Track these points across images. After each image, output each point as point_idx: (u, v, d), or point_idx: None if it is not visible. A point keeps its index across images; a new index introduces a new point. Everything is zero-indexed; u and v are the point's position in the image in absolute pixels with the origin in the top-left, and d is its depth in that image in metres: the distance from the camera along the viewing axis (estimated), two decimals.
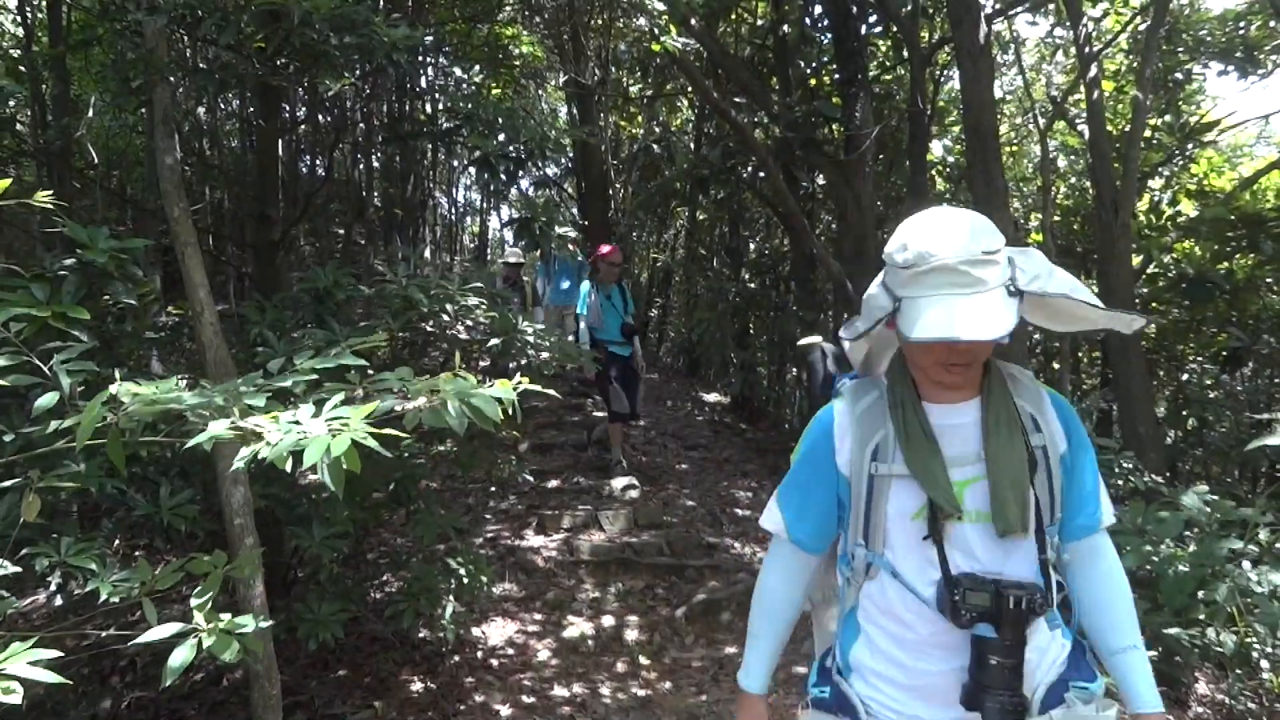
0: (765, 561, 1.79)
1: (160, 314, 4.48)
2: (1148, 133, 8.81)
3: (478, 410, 1.78)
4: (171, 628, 1.93)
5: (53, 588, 2.70)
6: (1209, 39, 8.85)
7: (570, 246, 8.30)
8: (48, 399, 1.92)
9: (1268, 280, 8.25)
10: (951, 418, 1.54)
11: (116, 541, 3.67)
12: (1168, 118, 9.39)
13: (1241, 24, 8.64)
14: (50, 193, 2.06)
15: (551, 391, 2.56)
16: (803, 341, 2.04)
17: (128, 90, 3.54)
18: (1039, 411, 1.56)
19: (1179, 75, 9.15)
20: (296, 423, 1.73)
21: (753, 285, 10.68)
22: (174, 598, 4.10)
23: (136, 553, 4.16)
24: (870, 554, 1.56)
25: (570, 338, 7.88)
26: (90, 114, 6.54)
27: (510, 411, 1.85)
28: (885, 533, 1.54)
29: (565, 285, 8.76)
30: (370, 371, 2.04)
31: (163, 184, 3.14)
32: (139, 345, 3.76)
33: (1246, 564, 3.77)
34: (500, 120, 3.88)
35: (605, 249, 6.99)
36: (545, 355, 3.96)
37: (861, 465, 1.55)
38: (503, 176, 3.88)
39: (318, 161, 10.81)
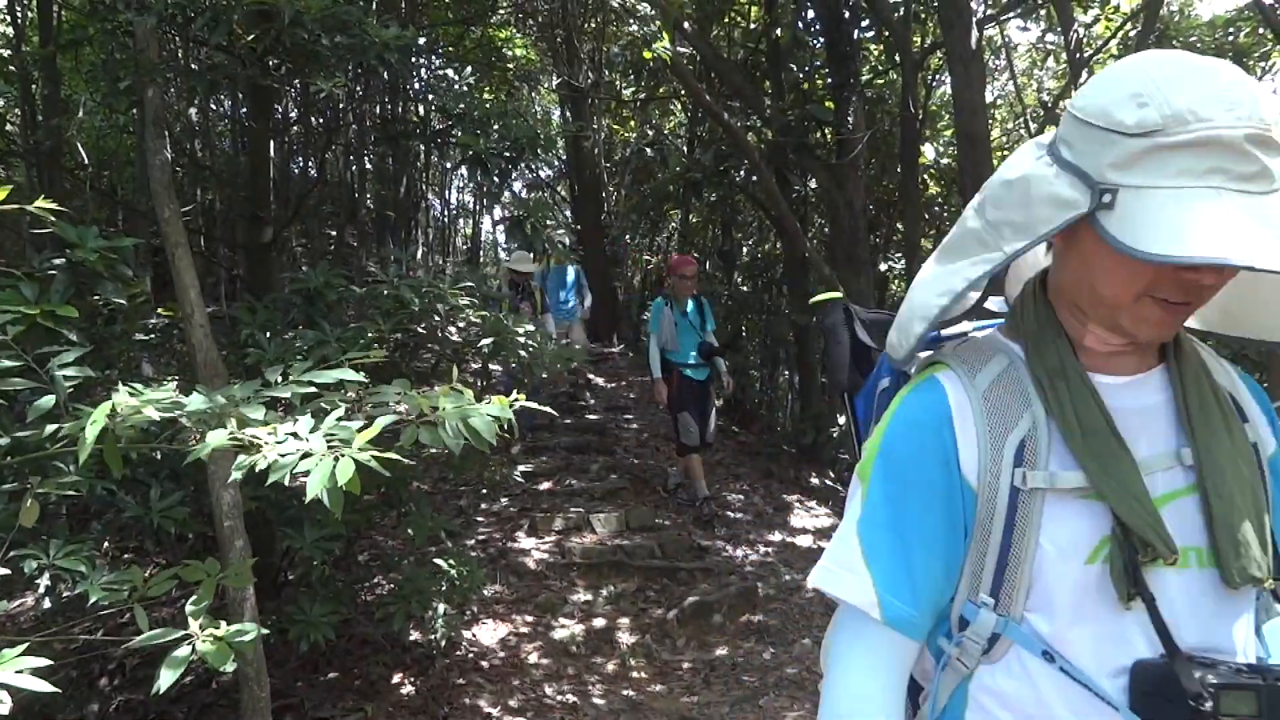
0: (836, 661, 1.02)
1: (151, 315, 4.46)
2: None
3: (474, 431, 1.79)
4: (167, 634, 1.92)
5: (41, 590, 2.68)
6: (1199, 46, 8.91)
7: (563, 244, 8.16)
8: (44, 402, 1.91)
9: None
10: (1130, 397, 0.97)
11: (105, 543, 3.65)
12: None
13: (1230, 31, 8.71)
14: (48, 200, 2.06)
15: (550, 410, 2.60)
16: (819, 297, 1.36)
17: (118, 91, 3.53)
18: (1236, 391, 1.02)
19: None
20: (295, 435, 1.73)
21: (745, 288, 10.70)
22: (162, 600, 4.08)
23: (125, 555, 4.14)
24: (1003, 620, 0.95)
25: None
26: (80, 114, 6.51)
27: (507, 428, 1.87)
28: (1031, 584, 0.93)
29: (565, 298, 8.14)
30: (364, 377, 2.05)
31: (153, 185, 3.13)
32: (129, 347, 3.75)
33: None
34: (492, 119, 3.88)
35: (675, 260, 6.51)
36: (540, 358, 3.96)
37: (997, 473, 0.94)
38: (495, 176, 3.88)
39: (309, 163, 10.78)
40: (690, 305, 6.31)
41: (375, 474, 1.66)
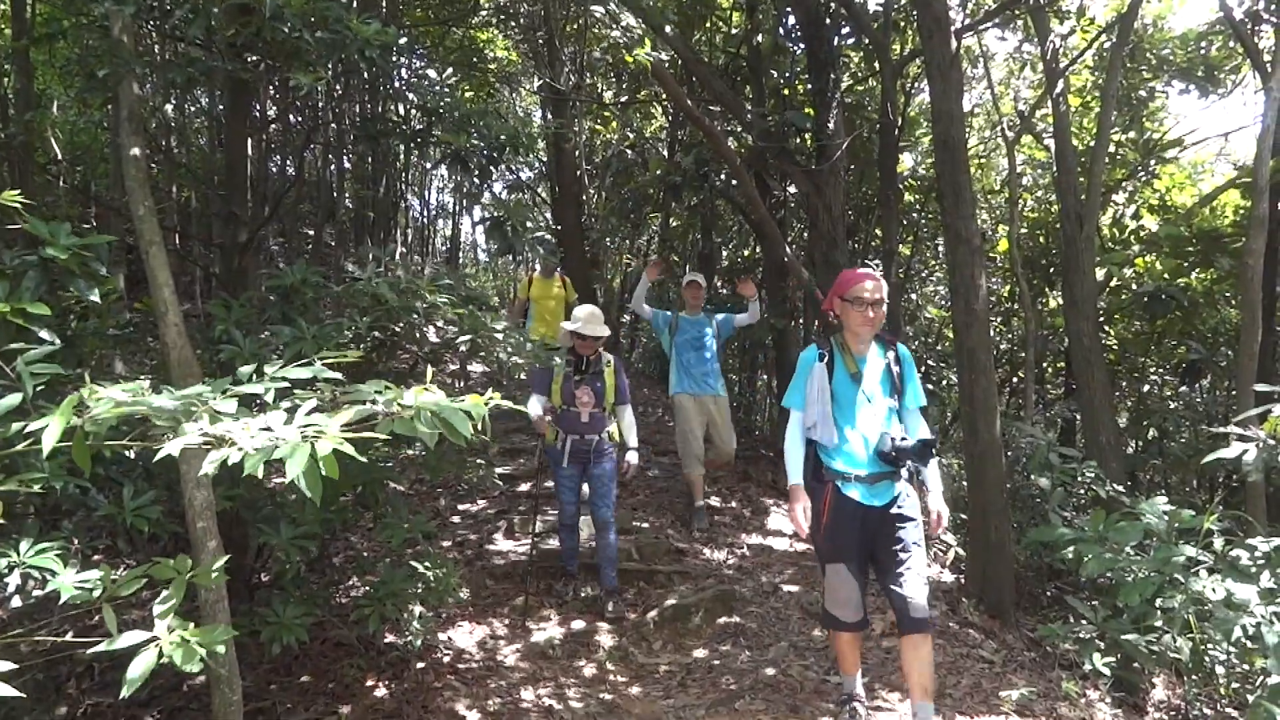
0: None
1: (124, 312, 4.41)
2: (1112, 148, 9.00)
3: (449, 425, 1.79)
4: (133, 636, 1.89)
5: (10, 590, 2.63)
6: (1171, 58, 9.07)
7: (698, 287, 6.46)
8: (10, 400, 1.88)
9: (1226, 294, 8.46)
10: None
11: (76, 543, 3.59)
12: (1131, 134, 9.61)
13: (1202, 44, 8.87)
14: (17, 192, 2.03)
15: (523, 409, 2.59)
16: None
17: (93, 84, 3.49)
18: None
19: (1142, 93, 9.36)
20: (268, 429, 1.71)
21: (724, 292, 10.73)
22: (134, 601, 4.03)
23: (96, 555, 4.07)
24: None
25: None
26: (54, 109, 6.43)
27: (480, 427, 1.87)
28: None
29: (706, 360, 6.24)
30: (341, 378, 2.03)
31: (128, 181, 3.10)
32: (102, 344, 3.70)
33: (1203, 572, 3.86)
34: (473, 117, 3.87)
35: (844, 275, 3.53)
36: (517, 359, 3.94)
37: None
38: (475, 174, 3.87)
39: (288, 161, 10.70)
40: (872, 359, 3.52)
41: (351, 473, 1.66)
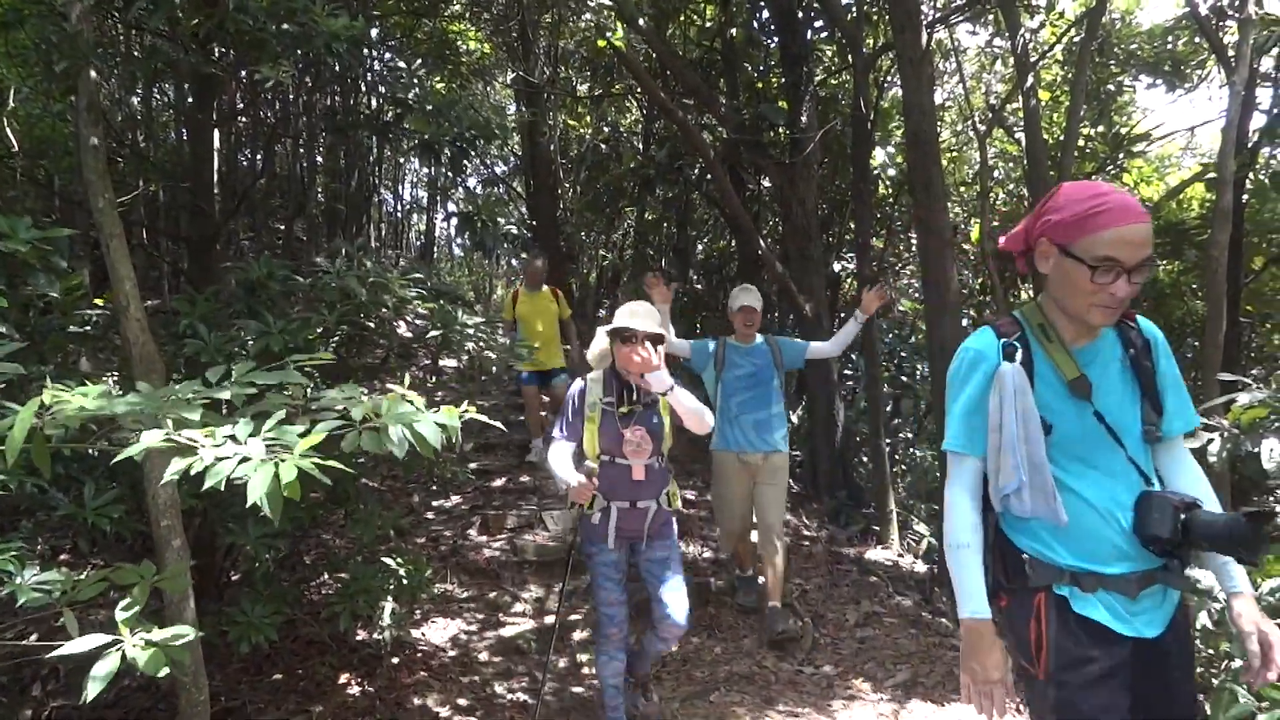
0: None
1: (89, 308, 4.32)
2: (1081, 142, 9.09)
3: (420, 437, 1.78)
4: (96, 639, 1.86)
5: None
6: (1139, 53, 9.18)
7: (748, 317, 4.65)
8: None
9: (1192, 286, 8.59)
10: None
11: (39, 544, 3.52)
12: (1100, 128, 9.72)
13: (1169, 39, 8.98)
14: None
15: (499, 425, 2.57)
16: None
17: (53, 75, 3.41)
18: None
19: (1111, 87, 9.47)
20: (232, 438, 1.70)
21: (700, 286, 10.73)
22: (100, 602, 3.96)
23: (63, 556, 4.00)
24: None
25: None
26: (12, 101, 6.28)
27: (453, 440, 1.86)
28: None
29: (761, 401, 4.65)
30: (313, 373, 2.01)
31: (86, 173, 3.03)
32: (66, 341, 3.62)
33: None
34: (443, 108, 3.82)
35: (1077, 198, 1.85)
36: (489, 354, 3.91)
37: None
38: (446, 165, 3.83)
39: (258, 156, 10.56)
40: (1106, 350, 1.89)
41: (320, 472, 1.65)
